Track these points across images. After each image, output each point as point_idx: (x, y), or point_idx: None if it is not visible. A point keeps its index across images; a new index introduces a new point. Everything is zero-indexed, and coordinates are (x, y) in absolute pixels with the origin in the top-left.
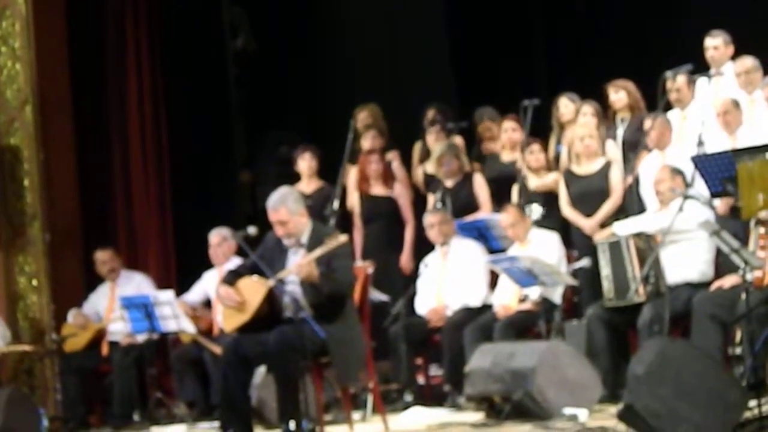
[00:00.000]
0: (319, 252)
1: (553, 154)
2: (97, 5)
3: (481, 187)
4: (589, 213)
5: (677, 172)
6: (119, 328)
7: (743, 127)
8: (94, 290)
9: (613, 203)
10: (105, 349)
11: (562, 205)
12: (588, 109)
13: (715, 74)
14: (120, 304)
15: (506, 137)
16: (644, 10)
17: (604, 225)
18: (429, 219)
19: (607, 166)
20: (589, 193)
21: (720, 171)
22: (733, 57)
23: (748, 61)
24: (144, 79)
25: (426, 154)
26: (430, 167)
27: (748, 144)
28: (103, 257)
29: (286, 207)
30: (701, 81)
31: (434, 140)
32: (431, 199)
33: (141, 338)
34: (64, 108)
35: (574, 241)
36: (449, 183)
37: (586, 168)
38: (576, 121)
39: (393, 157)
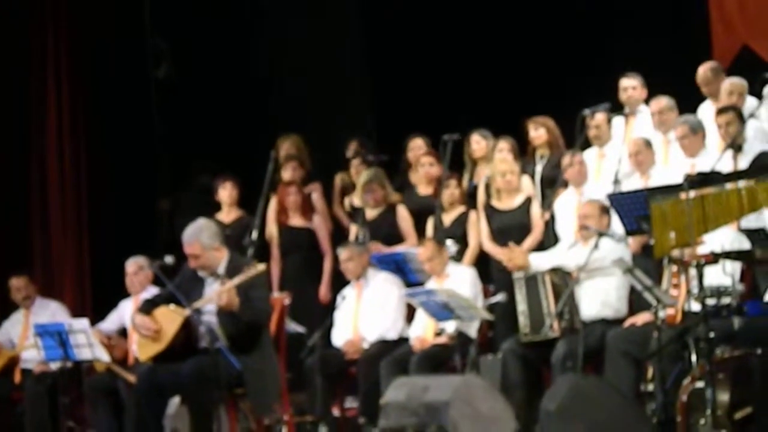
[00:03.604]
0: (237, 280)
1: (466, 188)
2: (20, 35)
3: (404, 218)
4: None
5: (606, 211)
6: (32, 356)
7: (656, 166)
8: (7, 317)
9: (535, 238)
10: (17, 377)
11: (482, 239)
12: (504, 145)
13: (631, 113)
14: (34, 332)
15: (423, 171)
16: (564, 49)
17: None
18: (343, 254)
19: (528, 201)
20: (511, 227)
21: (635, 209)
22: (647, 99)
23: (663, 101)
24: (64, 108)
25: (349, 187)
26: (356, 199)
27: (661, 183)
28: (17, 284)
29: (199, 242)
30: (617, 120)
31: (356, 173)
32: (354, 230)
33: (54, 366)
34: None
35: (492, 275)
36: (372, 214)
37: (507, 203)
38: (487, 157)
39: (314, 188)
